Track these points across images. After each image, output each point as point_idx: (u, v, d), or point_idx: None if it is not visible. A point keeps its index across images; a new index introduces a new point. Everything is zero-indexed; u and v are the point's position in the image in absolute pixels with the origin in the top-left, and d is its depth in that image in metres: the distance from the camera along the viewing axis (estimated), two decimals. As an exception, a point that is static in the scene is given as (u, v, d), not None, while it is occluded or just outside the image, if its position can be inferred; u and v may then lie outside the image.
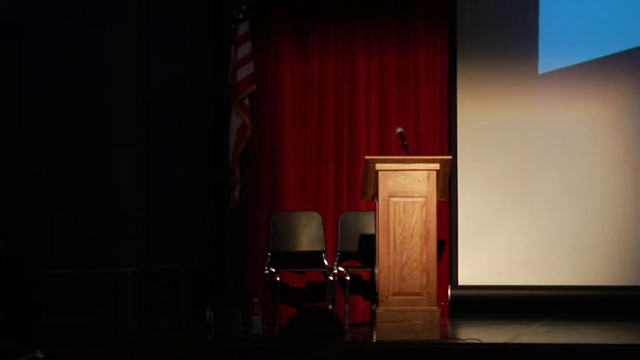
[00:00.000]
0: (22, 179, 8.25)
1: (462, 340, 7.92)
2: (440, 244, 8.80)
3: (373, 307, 8.13)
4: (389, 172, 7.94)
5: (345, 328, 8.69)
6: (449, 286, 9.36)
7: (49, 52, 8.26)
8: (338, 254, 9.06)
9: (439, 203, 8.02)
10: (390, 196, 7.93)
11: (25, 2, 8.24)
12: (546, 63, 9.56)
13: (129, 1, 8.37)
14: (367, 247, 8.71)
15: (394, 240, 7.90)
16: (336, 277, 8.91)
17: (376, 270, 8.01)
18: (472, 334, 8.13)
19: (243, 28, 8.92)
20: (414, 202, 7.92)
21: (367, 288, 8.99)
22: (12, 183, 8.22)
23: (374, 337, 7.90)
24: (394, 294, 7.88)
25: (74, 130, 8.26)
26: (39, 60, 8.27)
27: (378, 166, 7.94)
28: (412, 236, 7.90)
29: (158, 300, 8.17)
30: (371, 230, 8.46)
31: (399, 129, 8.51)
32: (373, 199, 8.08)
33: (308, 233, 9.14)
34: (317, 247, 9.09)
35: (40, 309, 7.62)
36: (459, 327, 8.83)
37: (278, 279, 8.81)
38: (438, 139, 9.32)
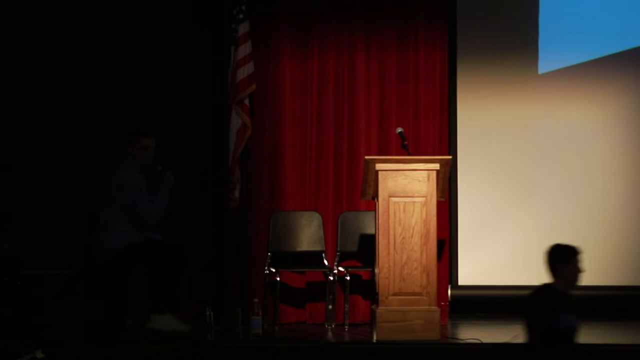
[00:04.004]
0: (22, 179, 8.25)
1: (462, 340, 7.92)
2: (440, 244, 8.80)
3: (373, 307, 8.13)
4: (389, 172, 7.94)
5: (346, 328, 8.71)
6: (449, 286, 9.36)
7: (47, 53, 8.27)
8: (338, 254, 9.06)
9: (439, 203, 8.03)
10: (390, 196, 7.93)
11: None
12: (546, 63, 9.57)
13: (130, 2, 8.37)
14: (367, 247, 8.71)
15: (394, 240, 7.90)
16: (336, 277, 8.91)
17: (376, 270, 8.01)
18: (472, 334, 8.13)
19: (243, 28, 8.93)
20: (414, 202, 7.92)
21: (367, 288, 8.99)
22: (12, 183, 8.23)
23: (374, 337, 7.90)
24: (394, 294, 7.88)
25: (73, 130, 8.27)
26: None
27: (378, 166, 7.95)
28: (412, 236, 7.90)
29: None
30: (371, 230, 8.46)
31: (399, 129, 8.51)
32: (373, 199, 8.08)
33: (308, 233, 9.14)
34: (317, 247, 9.09)
35: (41, 309, 7.63)
36: (459, 327, 8.83)
37: (278, 279, 8.81)
38: (438, 139, 9.32)
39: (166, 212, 7.94)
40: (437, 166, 7.96)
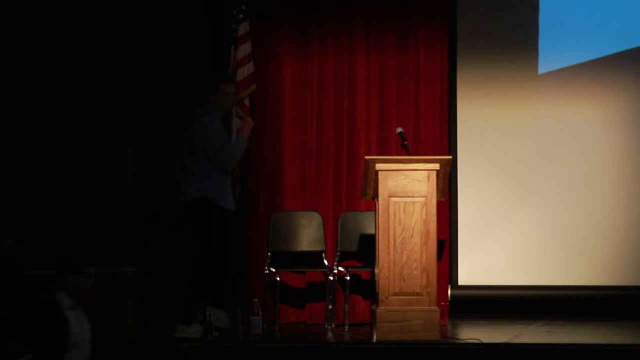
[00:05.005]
0: (22, 178, 8.24)
1: (462, 340, 7.92)
2: (440, 244, 8.80)
3: (373, 307, 8.12)
4: (389, 172, 7.94)
5: (346, 328, 8.71)
6: (449, 286, 9.36)
7: (46, 54, 8.26)
8: (338, 254, 9.06)
9: (439, 203, 8.02)
10: (390, 196, 7.93)
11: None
12: (546, 63, 9.56)
13: (130, 2, 8.37)
14: (367, 247, 8.71)
15: (394, 240, 7.90)
16: (336, 277, 8.91)
17: (376, 270, 8.01)
18: (472, 334, 8.13)
19: (243, 28, 8.92)
20: (414, 202, 7.91)
21: (367, 288, 8.99)
22: (12, 183, 8.22)
23: (374, 337, 7.89)
24: (394, 294, 7.88)
25: (73, 130, 8.26)
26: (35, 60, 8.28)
27: (378, 166, 7.94)
28: (412, 236, 7.89)
29: (158, 300, 8.17)
30: (371, 230, 8.46)
31: (399, 129, 8.50)
32: (373, 199, 8.08)
33: (308, 233, 9.13)
34: (317, 247, 9.09)
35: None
36: (459, 327, 8.83)
37: (278, 279, 8.80)
38: (438, 139, 9.32)
39: (243, 154, 8.28)
40: (437, 166, 7.95)
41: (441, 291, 8.80)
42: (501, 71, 9.56)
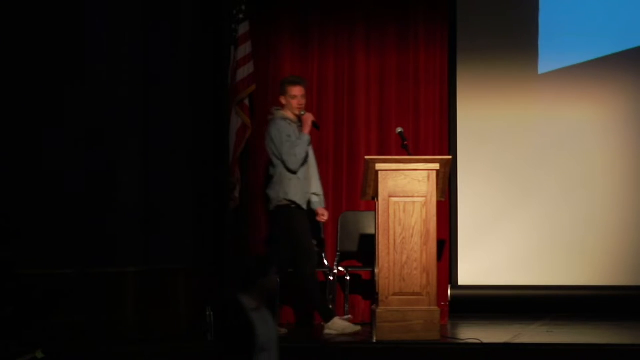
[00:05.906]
0: (23, 179, 8.24)
1: (462, 340, 7.92)
2: (440, 244, 8.80)
3: (373, 307, 8.12)
4: (389, 172, 7.94)
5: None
6: (449, 286, 9.36)
7: (47, 53, 8.26)
8: (338, 254, 9.06)
9: (439, 203, 8.02)
10: (390, 196, 7.92)
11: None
12: (546, 63, 9.57)
13: (130, 2, 8.36)
14: (367, 247, 8.71)
15: (394, 240, 7.90)
16: (336, 277, 8.91)
17: (376, 270, 8.01)
18: (472, 334, 8.13)
19: (243, 28, 8.93)
20: (414, 202, 7.91)
21: (367, 288, 8.99)
22: (12, 183, 8.22)
23: (374, 337, 7.89)
24: (394, 294, 7.88)
25: (73, 130, 8.26)
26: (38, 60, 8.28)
27: (378, 166, 7.94)
28: (412, 236, 7.89)
29: (158, 300, 8.17)
30: (371, 230, 8.46)
31: (399, 129, 8.50)
32: (373, 199, 8.08)
33: (308, 233, 9.12)
34: (317, 247, 9.08)
35: (41, 309, 7.63)
36: (459, 327, 8.83)
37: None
38: (438, 139, 9.32)
39: (305, 150, 8.31)
40: (437, 166, 7.95)
41: (441, 291, 8.80)
42: (501, 71, 9.56)
